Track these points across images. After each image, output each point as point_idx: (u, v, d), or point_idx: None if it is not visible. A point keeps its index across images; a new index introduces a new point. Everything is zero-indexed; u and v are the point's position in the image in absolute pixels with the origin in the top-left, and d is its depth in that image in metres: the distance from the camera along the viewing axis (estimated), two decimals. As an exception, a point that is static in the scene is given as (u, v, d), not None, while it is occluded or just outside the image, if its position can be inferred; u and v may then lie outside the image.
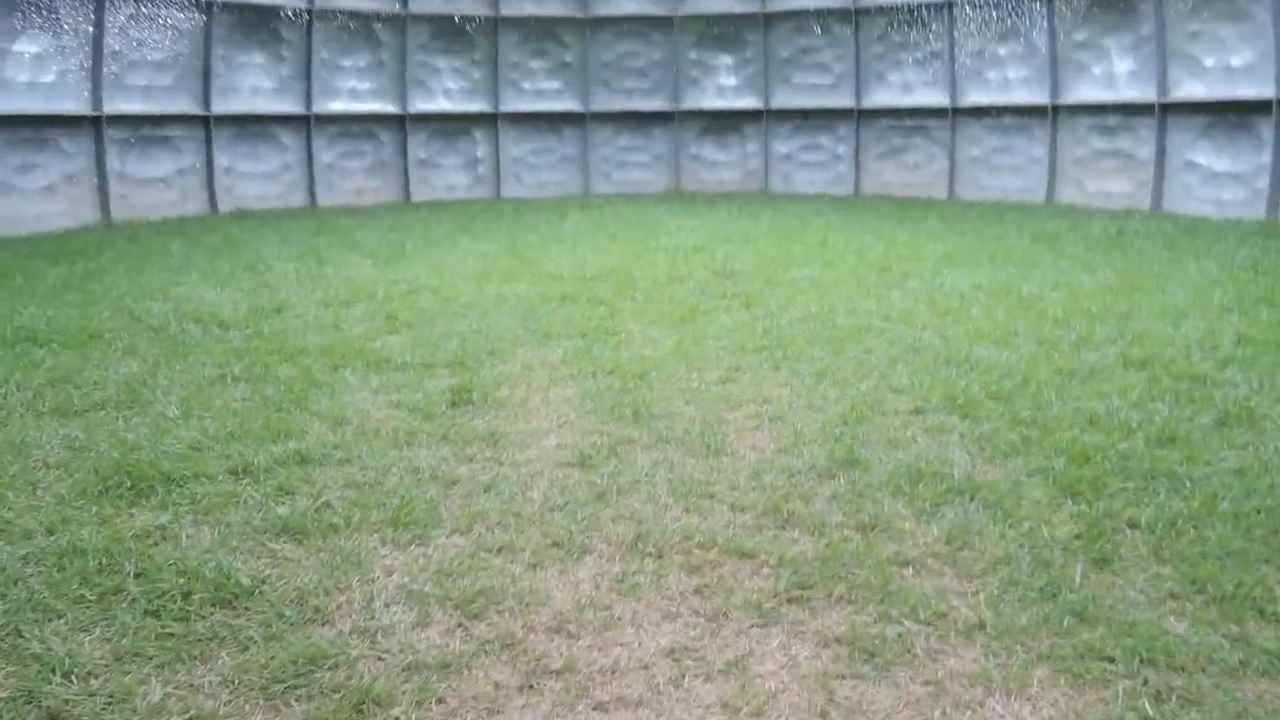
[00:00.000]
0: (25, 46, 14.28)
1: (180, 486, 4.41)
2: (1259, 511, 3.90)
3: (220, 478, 4.54)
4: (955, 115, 18.95)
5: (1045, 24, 17.36)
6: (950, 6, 18.56)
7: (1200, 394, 5.47)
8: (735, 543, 3.83)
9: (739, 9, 20.48)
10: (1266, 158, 14.25)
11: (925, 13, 18.94)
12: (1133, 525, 3.87)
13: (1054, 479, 4.33)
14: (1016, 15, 17.80)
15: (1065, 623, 3.15)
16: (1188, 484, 4.20)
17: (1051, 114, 17.47)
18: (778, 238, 12.96)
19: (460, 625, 3.28)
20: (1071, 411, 5.26)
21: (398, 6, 19.12)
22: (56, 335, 7.34)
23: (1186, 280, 9.14)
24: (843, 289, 9.21)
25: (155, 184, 16.40)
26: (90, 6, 15.05)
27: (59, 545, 3.77)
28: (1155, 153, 15.85)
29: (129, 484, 4.41)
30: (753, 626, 3.24)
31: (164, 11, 16.13)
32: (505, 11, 19.98)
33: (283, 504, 4.24)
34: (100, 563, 3.62)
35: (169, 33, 16.30)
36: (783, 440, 5.05)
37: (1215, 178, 15.09)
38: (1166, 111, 15.72)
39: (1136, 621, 3.14)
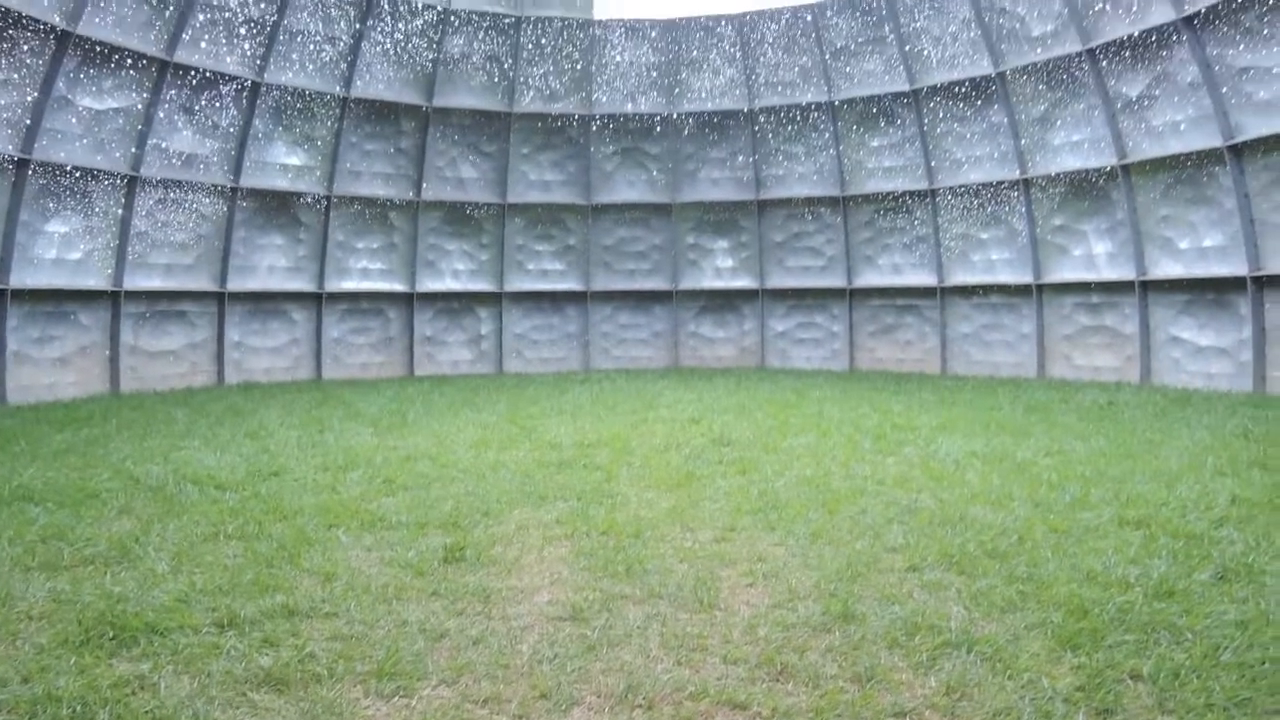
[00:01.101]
0: (57, 226, 15.07)
1: (164, 637, 4.33)
2: (1264, 662, 3.81)
3: (205, 629, 4.46)
4: (944, 295, 19.67)
5: (1024, 210, 18.34)
6: (933, 194, 19.66)
7: (1198, 551, 5.44)
8: (728, 694, 3.73)
9: (734, 197, 21.69)
10: (1247, 332, 14.68)
11: (910, 200, 20.05)
12: (1135, 676, 3.78)
13: (1053, 632, 4.25)
14: (996, 202, 18.83)
15: (1069, 772, 3.03)
16: (1189, 636, 4.12)
17: (1036, 293, 18.15)
18: (774, 409, 13.14)
19: (441, 776, 3.15)
20: (1068, 568, 5.21)
21: (412, 194, 20.27)
22: (53, 494, 7.37)
23: (1179, 447, 9.22)
24: (838, 455, 9.27)
25: (165, 356, 16.84)
26: (122, 191, 15.99)
27: (34, 693, 3.68)
28: (1140, 328, 16.34)
29: (111, 634, 4.34)
30: (745, 777, 3.11)
31: (191, 196, 17.12)
32: (512, 199, 21.15)
33: (266, 655, 4.15)
34: (75, 710, 3.52)
35: (194, 215, 17.23)
36: (777, 596, 4.98)
37: (1201, 352, 15.48)
38: (1147, 289, 16.34)
39: (1143, 771, 3.02)
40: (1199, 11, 14.85)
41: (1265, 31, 14.18)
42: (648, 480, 8.20)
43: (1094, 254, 17.39)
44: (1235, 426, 10.41)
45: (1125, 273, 16.71)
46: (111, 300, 16.01)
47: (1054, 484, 7.52)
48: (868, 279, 20.78)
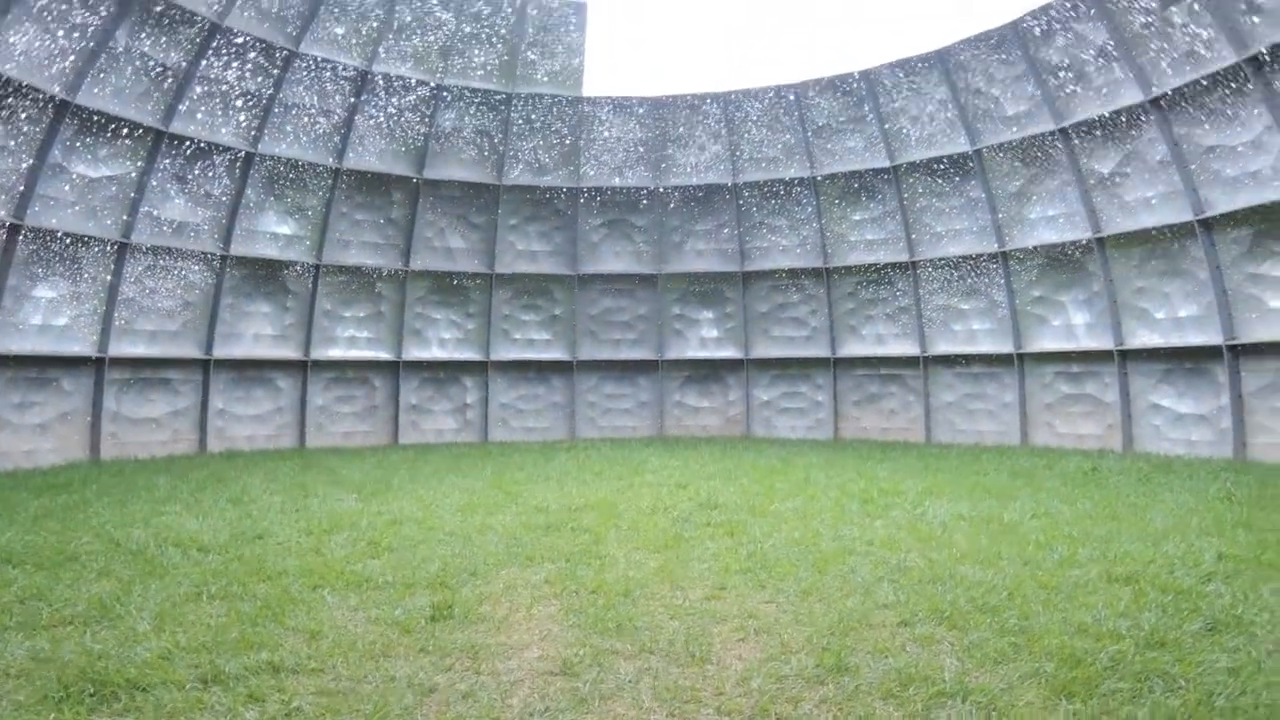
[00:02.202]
0: (44, 292, 15.09)
1: (146, 693, 4.25)
2: (1257, 707, 3.81)
3: (189, 685, 4.38)
4: (926, 364, 19.88)
5: (1003, 282, 18.70)
6: (914, 266, 20.04)
7: (1187, 604, 5.45)
8: (722, 743, 3.68)
9: (719, 268, 22.01)
10: (1225, 400, 14.89)
11: (891, 272, 20.41)
12: (1130, 723, 3.77)
13: (1046, 681, 4.24)
14: (976, 274, 19.20)
15: (1068, 815, 3.00)
16: (1182, 683, 4.13)
17: (1018, 362, 18.38)
18: (760, 475, 13.14)
19: (431, 824, 3.08)
20: (1059, 621, 5.21)
21: (400, 264, 20.46)
22: (31, 557, 7.25)
23: (1164, 509, 9.27)
24: (826, 518, 9.26)
25: (147, 424, 16.70)
26: (112, 258, 16.08)
27: (11, 747, 3.59)
28: (1120, 397, 16.53)
29: (92, 691, 4.26)
30: (742, 824, 3.06)
31: (180, 264, 17.22)
32: (500, 269, 21.38)
33: (251, 710, 4.08)
34: (53, 762, 3.43)
35: (182, 283, 17.30)
36: (769, 650, 4.94)
37: (1181, 419, 15.66)
38: (1126, 358, 16.59)
39: (1142, 813, 3.00)
40: (1165, 93, 15.45)
41: (1229, 112, 14.75)
42: (636, 542, 8.16)
43: (1073, 324, 17.70)
44: (1218, 490, 10.49)
45: (1104, 342, 16.99)
46: (95, 367, 15.95)
47: (1041, 544, 7.54)
48: (851, 349, 21.00)
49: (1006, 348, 18.63)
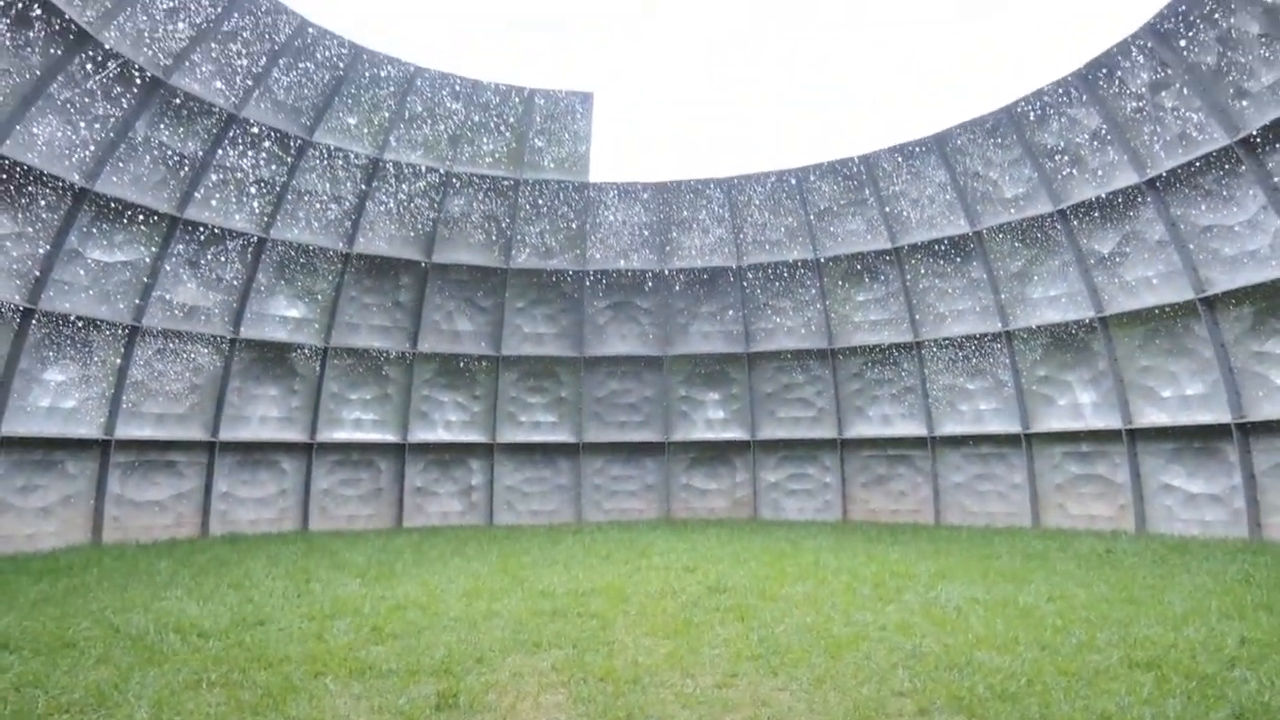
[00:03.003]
0: (54, 375, 15.18)
1: (141, 785, 4.12)
2: (1292, 801, 3.67)
3: (185, 777, 4.25)
4: (934, 445, 19.76)
5: (1008, 361, 18.73)
6: (919, 347, 20.11)
7: (1212, 691, 5.31)
8: (738, 839, 3.54)
9: (724, 349, 22.11)
10: (1237, 479, 14.74)
11: (896, 352, 20.47)
12: (1161, 817, 3.62)
13: (1072, 773, 4.10)
14: (980, 354, 19.25)
15: None
16: (1212, 775, 3.98)
17: (1026, 443, 18.27)
18: (769, 558, 12.96)
19: None
20: (1082, 709, 5.07)
21: (407, 346, 20.60)
22: (29, 643, 7.15)
23: (1182, 592, 9.10)
24: (838, 602, 9.09)
25: (150, 507, 16.60)
26: (123, 341, 16.22)
27: (2, 844, 3.47)
28: (1130, 477, 16.38)
29: (86, 783, 4.12)
30: None
31: (190, 347, 17.35)
32: (506, 352, 21.51)
33: (250, 803, 3.94)
34: None
35: (190, 366, 17.41)
36: (784, 740, 4.80)
37: (1193, 499, 15.47)
38: (1135, 437, 16.49)
39: None
40: (1160, 175, 15.74)
41: (1224, 193, 14.99)
42: (645, 627, 8.01)
43: (1079, 403, 17.66)
44: (1236, 572, 10.31)
45: (1111, 422, 16.92)
46: (101, 449, 15.93)
47: (1059, 628, 7.38)
48: (858, 430, 20.93)
49: (1014, 428, 18.55)
